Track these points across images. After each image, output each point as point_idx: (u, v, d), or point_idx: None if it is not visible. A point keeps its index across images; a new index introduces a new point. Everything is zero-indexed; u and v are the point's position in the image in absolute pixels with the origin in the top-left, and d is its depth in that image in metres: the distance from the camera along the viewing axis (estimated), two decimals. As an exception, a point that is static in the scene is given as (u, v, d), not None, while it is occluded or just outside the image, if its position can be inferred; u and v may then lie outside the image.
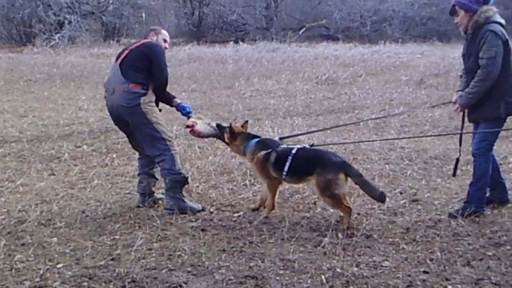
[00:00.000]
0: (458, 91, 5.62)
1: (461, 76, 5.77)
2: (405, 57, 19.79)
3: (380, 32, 29.25)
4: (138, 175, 6.19)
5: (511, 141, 8.66)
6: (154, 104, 5.91)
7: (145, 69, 5.76)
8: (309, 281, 4.26)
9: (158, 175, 6.14)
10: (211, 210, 5.91)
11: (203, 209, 5.91)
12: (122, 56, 5.87)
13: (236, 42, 26.27)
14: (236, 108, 11.94)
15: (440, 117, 10.45)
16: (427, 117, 10.55)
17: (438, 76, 15.15)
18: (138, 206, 6.04)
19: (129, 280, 4.32)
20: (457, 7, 5.39)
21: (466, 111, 5.63)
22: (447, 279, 4.20)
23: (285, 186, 6.50)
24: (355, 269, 4.44)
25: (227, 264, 4.59)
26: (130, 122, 5.83)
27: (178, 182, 5.88)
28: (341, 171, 5.27)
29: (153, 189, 6.17)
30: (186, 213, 5.77)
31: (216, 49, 23.48)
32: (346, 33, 29.46)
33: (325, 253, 4.77)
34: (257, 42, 25.28)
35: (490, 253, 4.66)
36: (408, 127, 10.01)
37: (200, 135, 5.94)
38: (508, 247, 4.76)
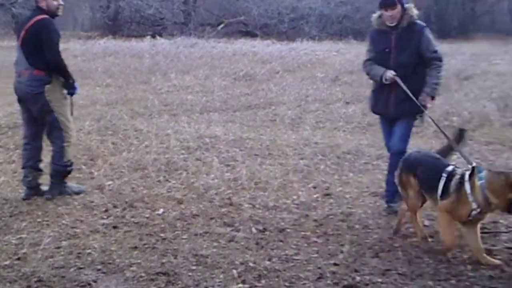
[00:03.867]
0: (382, 78, 5.47)
1: (369, 64, 5.69)
2: (321, 55, 20.11)
3: (297, 29, 29.62)
4: (23, 168, 6.11)
5: (420, 137, 8.98)
6: (60, 92, 5.88)
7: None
8: (221, 276, 4.24)
9: (45, 167, 6.16)
10: (124, 207, 5.77)
11: (84, 191, 6.13)
12: (22, 36, 5.80)
13: (153, 36, 25.89)
14: (152, 103, 11.76)
15: (354, 113, 10.70)
16: (341, 113, 10.78)
17: (353, 73, 15.47)
18: (24, 199, 5.97)
19: (35, 279, 4.16)
20: (396, 0, 5.41)
21: (390, 105, 5.55)
22: (356, 271, 4.29)
23: (199, 182, 6.49)
24: (267, 263, 4.46)
25: (139, 261, 4.50)
26: (33, 109, 5.86)
27: (61, 173, 6.05)
28: None
29: (39, 181, 6.13)
30: (70, 195, 6.00)
31: (133, 43, 23.06)
32: (264, 29, 29.68)
33: (238, 248, 4.78)
34: (175, 37, 25.04)
35: (397, 245, 4.80)
36: (323, 123, 10.19)
37: None
38: (415, 239, 4.91)
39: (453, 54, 18.64)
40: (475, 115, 9.97)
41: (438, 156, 4.90)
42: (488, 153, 7.77)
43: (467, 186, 4.33)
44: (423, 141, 8.43)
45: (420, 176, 4.78)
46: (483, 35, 28.65)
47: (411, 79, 5.41)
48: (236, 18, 30.08)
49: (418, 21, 5.52)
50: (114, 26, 29.63)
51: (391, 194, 5.63)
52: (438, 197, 4.53)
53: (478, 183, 4.26)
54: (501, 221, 5.20)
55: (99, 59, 18.40)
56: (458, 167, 4.59)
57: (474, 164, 4.47)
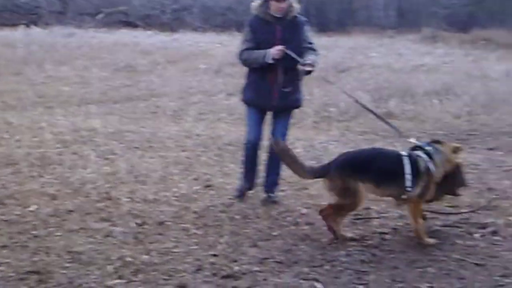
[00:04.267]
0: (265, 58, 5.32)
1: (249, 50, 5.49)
2: (204, 46, 20.05)
3: (180, 20, 29.33)
4: None
5: (298, 128, 9.19)
6: None
7: None
8: (97, 272, 4.10)
9: None
10: (-7, 204, 5.45)
11: None
12: None
13: (27, 25, 24.59)
14: (25, 95, 11.20)
15: (236, 105, 10.71)
16: (224, 104, 10.82)
17: (235, 65, 15.27)
18: None
19: None
20: None
21: (273, 99, 5.44)
22: (234, 261, 4.31)
23: (75, 176, 6.25)
24: (146, 257, 4.38)
25: (8, 260, 4.27)
26: None
27: None
28: None
29: None
30: None
31: (5, 32, 21.80)
32: (146, 20, 29.11)
33: (115, 243, 4.65)
34: (51, 27, 23.95)
35: (275, 233, 4.87)
36: (206, 115, 10.17)
37: None
38: (292, 227, 5.02)
39: (332, 48, 19.27)
40: (351, 107, 10.32)
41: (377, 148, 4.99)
42: (363, 142, 8.09)
43: (432, 166, 4.48)
44: (301, 132, 8.63)
45: (376, 173, 4.62)
46: (360, 29, 29.76)
47: (294, 73, 5.43)
48: (117, 8, 29.29)
49: (299, 15, 5.55)
50: (-15, 14, 27.91)
51: (270, 184, 5.71)
52: (408, 187, 4.52)
53: (438, 159, 4.42)
54: (372, 207, 5.41)
55: (-33, 48, 17.28)
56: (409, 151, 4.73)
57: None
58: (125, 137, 8.11)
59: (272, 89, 5.44)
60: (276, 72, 5.38)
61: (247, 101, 5.70)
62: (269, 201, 5.65)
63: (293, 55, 5.27)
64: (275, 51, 5.27)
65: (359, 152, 5.24)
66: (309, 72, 5.37)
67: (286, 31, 5.44)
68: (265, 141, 5.75)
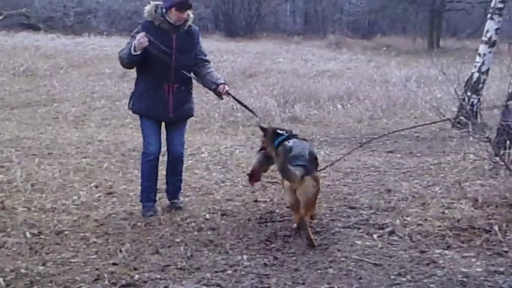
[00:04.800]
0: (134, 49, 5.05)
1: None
2: (110, 50, 19.54)
3: (84, 23, 28.67)
4: None
5: (205, 133, 9.17)
6: None
7: None
8: (-13, 286, 3.89)
9: None
10: None
11: None
12: None
13: None
14: None
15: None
16: (127, 109, 10.55)
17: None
18: None
19: None
20: (191, 4, 5.25)
21: (169, 110, 5.30)
22: (135, 269, 4.20)
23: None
24: (41, 268, 4.19)
25: None
26: None
27: None
28: None
29: None
30: None
31: None
32: (49, 23, 28.20)
33: (9, 254, 4.43)
34: None
35: (178, 240, 4.80)
36: (109, 120, 9.96)
37: None
38: (196, 233, 4.95)
39: (240, 53, 19.45)
40: (258, 111, 10.39)
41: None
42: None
43: None
44: (208, 137, 8.61)
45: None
46: (268, 35, 30.19)
47: (189, 81, 5.39)
48: (17, 10, 28.14)
49: (193, 25, 5.41)
50: None
51: (174, 191, 5.64)
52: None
53: None
54: (277, 211, 5.46)
55: None
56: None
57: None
58: (23, 144, 7.78)
59: (168, 100, 5.27)
60: (171, 82, 5.25)
61: (140, 112, 5.43)
62: (174, 207, 5.57)
63: (157, 42, 5.11)
64: (139, 41, 4.99)
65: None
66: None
67: (183, 40, 5.28)
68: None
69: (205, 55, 5.52)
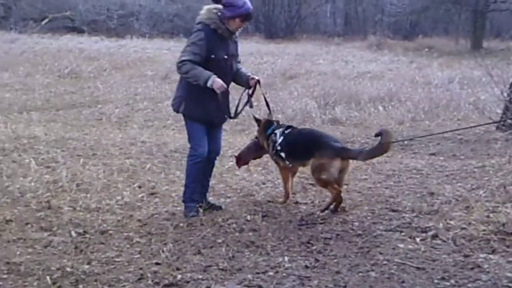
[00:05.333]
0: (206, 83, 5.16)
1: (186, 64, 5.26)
2: (152, 52, 19.92)
3: (127, 26, 29.09)
4: None
5: (247, 134, 9.20)
6: None
7: None
8: (35, 283, 3.99)
9: None
10: None
11: None
12: None
13: (-32, 31, 23.99)
14: (-37, 102, 10.90)
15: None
16: (170, 111, 10.65)
17: (182, 72, 15.45)
18: None
19: None
20: None
21: (218, 113, 5.39)
22: (178, 269, 4.24)
23: (15, 185, 6.07)
24: (86, 266, 4.28)
25: None
26: None
27: None
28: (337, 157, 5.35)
29: None
30: None
31: None
32: (92, 26, 28.75)
33: (55, 253, 4.53)
34: (-8, 32, 23.39)
35: (220, 240, 4.82)
36: (152, 121, 10.09)
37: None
38: (237, 234, 4.98)
39: (280, 54, 19.47)
40: (298, 112, 10.44)
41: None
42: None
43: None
44: (248, 138, 8.60)
45: None
46: (308, 36, 30.15)
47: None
48: (62, 13, 28.78)
49: None
50: None
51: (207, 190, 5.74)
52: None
53: None
54: (317, 213, 5.45)
55: None
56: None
57: None
58: (68, 144, 7.95)
59: (219, 105, 5.33)
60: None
61: (195, 117, 5.42)
62: (215, 208, 5.62)
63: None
64: (219, 85, 5.15)
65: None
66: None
67: (233, 46, 5.42)
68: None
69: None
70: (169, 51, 20.69)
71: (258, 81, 5.56)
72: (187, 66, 5.19)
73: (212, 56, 5.24)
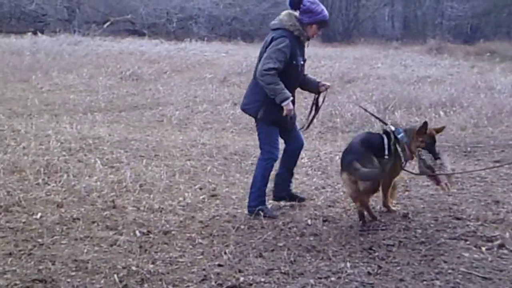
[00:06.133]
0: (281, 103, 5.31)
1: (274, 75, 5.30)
2: (210, 55, 20.10)
3: (186, 29, 29.48)
4: None
5: (305, 138, 9.15)
6: None
7: None
8: (102, 281, 4.11)
9: None
10: (-1, 211, 5.44)
11: None
12: None
13: (34, 33, 24.73)
14: (32, 103, 11.24)
15: (242, 114, 10.68)
16: (229, 114, 10.82)
17: (241, 74, 15.56)
18: None
19: None
20: None
21: (293, 118, 5.56)
22: (240, 271, 4.29)
23: (81, 184, 6.24)
24: (151, 266, 4.37)
25: (14, 268, 4.27)
26: None
27: None
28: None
29: None
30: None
31: (12, 40, 21.92)
32: (153, 29, 29.25)
33: (120, 252, 4.65)
34: (58, 34, 24.03)
35: (281, 244, 4.85)
36: (211, 124, 10.19)
37: None
38: (298, 238, 5.00)
39: (337, 58, 19.34)
40: (357, 117, 10.35)
41: None
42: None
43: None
44: (307, 142, 8.58)
45: None
46: (366, 40, 29.86)
47: None
48: (123, 17, 29.46)
49: None
50: (-8, 22, 28.09)
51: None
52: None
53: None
54: (379, 219, 5.40)
55: (-25, 55, 17.35)
56: None
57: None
58: (131, 145, 8.11)
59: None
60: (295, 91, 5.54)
61: (275, 122, 5.48)
62: (300, 199, 5.89)
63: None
64: (289, 109, 5.31)
65: None
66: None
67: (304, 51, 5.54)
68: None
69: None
70: (227, 54, 20.87)
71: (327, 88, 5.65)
72: (271, 78, 5.24)
73: (294, 62, 5.34)
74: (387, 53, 22.54)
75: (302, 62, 5.43)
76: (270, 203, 5.78)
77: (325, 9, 5.38)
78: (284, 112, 5.32)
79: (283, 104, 5.27)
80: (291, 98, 5.32)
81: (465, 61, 20.49)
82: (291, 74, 5.33)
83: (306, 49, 5.57)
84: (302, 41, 5.40)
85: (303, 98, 9.18)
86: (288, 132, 5.68)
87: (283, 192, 5.84)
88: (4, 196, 5.82)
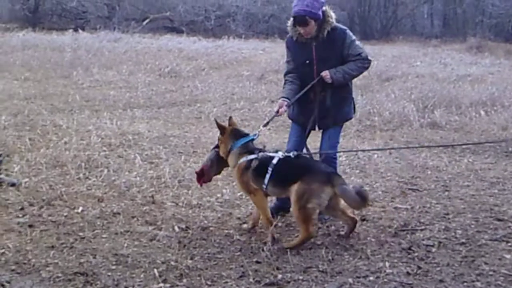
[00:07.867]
0: (283, 97, 5.29)
1: (287, 81, 5.40)
2: (247, 53, 20.14)
3: (224, 27, 29.57)
4: None
5: (342, 137, 9.10)
6: None
7: None
8: (142, 275, 4.17)
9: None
10: (41, 205, 5.55)
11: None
12: None
13: (75, 30, 25.19)
14: (73, 98, 11.44)
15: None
16: (267, 111, 10.81)
17: (278, 72, 15.46)
18: None
19: None
20: (308, 18, 5.03)
21: (315, 120, 5.34)
22: (278, 268, 4.30)
23: (121, 179, 6.32)
24: (190, 261, 4.42)
25: (56, 261, 4.36)
26: None
27: None
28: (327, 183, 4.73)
29: None
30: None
31: (54, 36, 22.34)
32: (191, 26, 29.47)
33: (159, 247, 4.70)
34: (98, 31, 24.41)
35: (319, 242, 4.84)
36: (248, 121, 10.21)
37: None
38: (335, 237, 4.98)
39: (376, 56, 19.06)
40: (396, 115, 10.25)
41: None
42: (407, 152, 7.96)
43: None
44: (345, 141, 8.57)
45: None
46: (404, 38, 29.53)
47: (336, 88, 5.26)
48: (162, 14, 29.74)
49: (338, 25, 5.22)
50: (34, 18, 28.62)
51: None
52: None
53: None
54: (418, 218, 5.35)
55: (18, 52, 17.70)
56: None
57: None
58: (170, 141, 8.20)
59: (313, 111, 5.31)
60: (316, 91, 5.27)
61: (290, 118, 5.62)
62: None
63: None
64: (278, 105, 5.29)
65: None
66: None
67: (323, 48, 5.18)
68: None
69: (355, 56, 5.20)
70: (264, 52, 20.88)
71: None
72: (284, 79, 5.48)
73: (297, 62, 5.39)
74: (426, 51, 22.26)
75: (307, 62, 5.22)
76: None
77: (297, 5, 5.07)
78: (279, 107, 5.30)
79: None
80: (286, 97, 5.25)
81: (507, 59, 20.10)
82: (302, 74, 5.33)
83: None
84: (302, 41, 5.24)
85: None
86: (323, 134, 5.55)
87: None
88: (46, 190, 5.95)
